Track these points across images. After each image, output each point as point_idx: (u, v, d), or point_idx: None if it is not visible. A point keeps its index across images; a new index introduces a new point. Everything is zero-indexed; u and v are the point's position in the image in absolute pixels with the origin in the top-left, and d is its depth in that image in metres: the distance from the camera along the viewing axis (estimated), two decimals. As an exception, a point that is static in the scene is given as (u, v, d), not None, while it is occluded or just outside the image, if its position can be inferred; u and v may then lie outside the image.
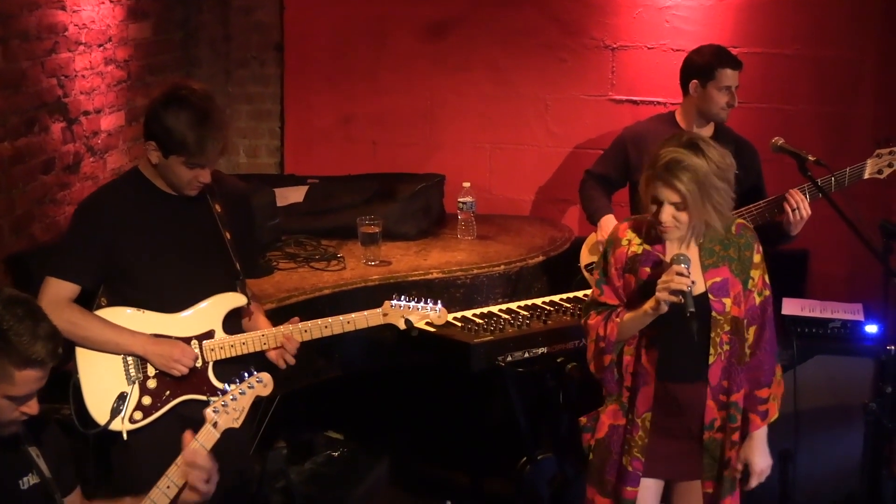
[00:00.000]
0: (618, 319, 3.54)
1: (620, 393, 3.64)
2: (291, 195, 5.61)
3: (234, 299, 3.77)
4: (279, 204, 5.46)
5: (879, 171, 4.55)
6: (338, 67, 6.17)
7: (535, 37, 5.95)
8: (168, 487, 2.92)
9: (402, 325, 3.95)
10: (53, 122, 4.84)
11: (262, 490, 4.96)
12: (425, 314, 3.99)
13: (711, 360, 3.60)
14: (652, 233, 3.59)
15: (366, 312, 3.89)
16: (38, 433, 2.94)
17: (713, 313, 3.57)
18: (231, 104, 6.27)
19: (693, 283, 3.41)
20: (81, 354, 3.64)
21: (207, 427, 3.03)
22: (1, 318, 2.66)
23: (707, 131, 4.78)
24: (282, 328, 3.80)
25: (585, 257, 4.98)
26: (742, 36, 5.69)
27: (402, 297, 3.96)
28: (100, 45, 5.21)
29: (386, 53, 6.12)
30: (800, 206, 4.44)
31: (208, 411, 3.07)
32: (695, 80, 4.74)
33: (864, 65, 5.63)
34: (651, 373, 3.59)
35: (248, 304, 3.82)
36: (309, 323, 3.83)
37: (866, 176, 4.54)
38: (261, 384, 3.20)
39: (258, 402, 3.30)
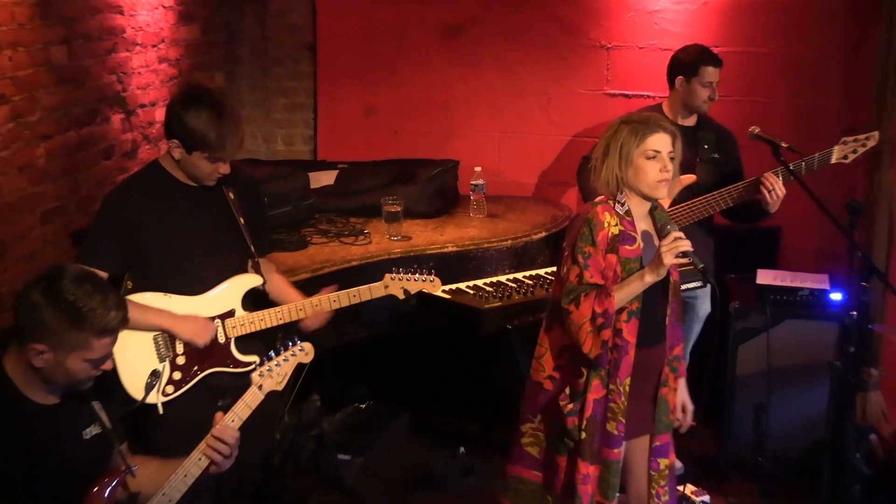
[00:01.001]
0: (613, 294, 3.44)
1: (604, 365, 3.55)
2: (323, 178, 5.60)
3: (251, 280, 3.76)
4: (312, 186, 5.43)
5: (845, 157, 4.52)
6: (363, 64, 6.15)
7: (538, 37, 5.92)
8: (200, 460, 2.91)
9: (401, 295, 3.98)
10: (113, 114, 4.83)
11: (299, 438, 4.96)
12: (421, 284, 4.01)
13: (667, 321, 3.61)
14: (622, 213, 3.55)
15: (369, 286, 3.91)
16: (101, 390, 2.94)
17: (671, 279, 3.56)
18: (269, 98, 6.26)
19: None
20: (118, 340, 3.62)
21: (253, 389, 3.04)
22: (74, 295, 2.68)
23: (691, 121, 4.79)
24: (295, 303, 3.80)
25: None
26: (723, 36, 5.66)
27: (400, 270, 3.97)
28: (154, 46, 5.19)
29: (406, 52, 6.10)
30: (775, 187, 4.41)
31: (255, 375, 3.08)
32: (680, 76, 4.73)
33: (830, 61, 5.59)
34: (632, 342, 3.52)
35: (264, 283, 3.79)
36: (320, 297, 3.83)
37: (833, 161, 4.51)
38: (303, 352, 3.20)
39: (300, 368, 3.28)
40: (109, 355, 2.80)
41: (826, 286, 5.03)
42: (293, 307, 3.79)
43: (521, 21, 5.92)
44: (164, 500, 2.88)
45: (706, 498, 4.88)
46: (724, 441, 5.20)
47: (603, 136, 3.59)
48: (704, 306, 4.93)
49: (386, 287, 3.95)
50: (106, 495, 2.87)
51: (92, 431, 2.91)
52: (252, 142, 6.26)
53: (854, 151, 4.53)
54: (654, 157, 3.46)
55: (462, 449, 5.35)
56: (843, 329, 4.83)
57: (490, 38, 5.98)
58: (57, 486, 2.81)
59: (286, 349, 3.17)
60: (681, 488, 4.30)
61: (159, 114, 5.25)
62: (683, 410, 3.81)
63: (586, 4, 5.84)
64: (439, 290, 4.12)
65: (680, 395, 3.78)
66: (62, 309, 2.67)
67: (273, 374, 3.10)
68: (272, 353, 3.15)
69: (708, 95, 4.74)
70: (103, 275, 3.50)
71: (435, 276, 4.05)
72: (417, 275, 4.00)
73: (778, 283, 5.11)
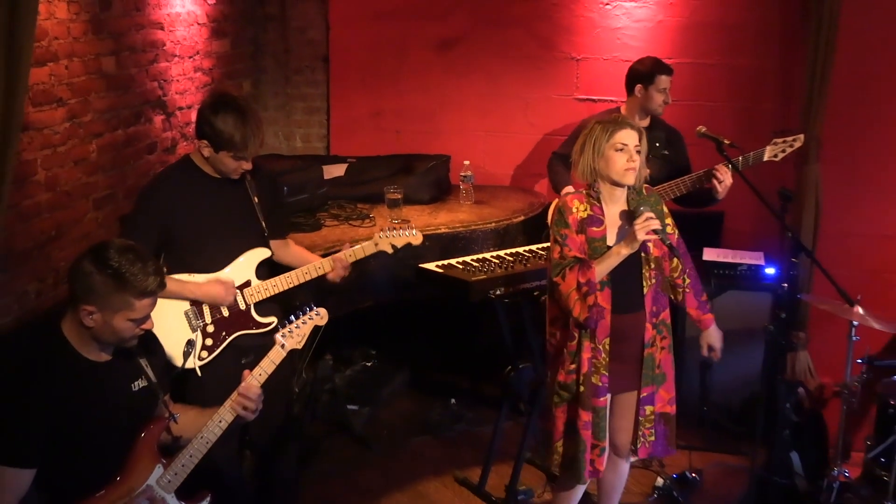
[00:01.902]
0: (594, 266, 3.49)
1: (594, 325, 3.59)
2: (335, 170, 5.61)
3: (261, 253, 3.78)
4: (326, 177, 5.46)
5: (775, 156, 4.55)
6: (370, 73, 6.14)
7: (518, 50, 5.92)
8: (221, 422, 2.94)
9: (389, 250, 4.00)
10: (155, 115, 4.84)
11: (315, 390, 5.00)
12: (405, 238, 4.04)
13: (645, 290, 3.62)
14: (591, 199, 3.59)
15: (362, 244, 3.93)
16: (146, 347, 2.97)
17: (643, 254, 3.58)
18: (289, 102, 6.26)
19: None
20: (153, 317, 3.62)
21: (277, 347, 3.08)
22: (118, 263, 2.72)
23: (645, 122, 4.81)
24: (301, 268, 3.81)
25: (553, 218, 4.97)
26: (675, 50, 5.66)
27: (387, 229, 4.00)
28: (190, 57, 5.20)
29: (406, 63, 6.09)
30: (725, 177, 4.44)
31: (278, 336, 3.11)
32: (639, 84, 4.75)
33: (766, 72, 5.60)
34: (607, 308, 3.57)
35: (272, 255, 3.81)
36: (323, 261, 3.85)
37: (765, 159, 4.54)
38: (318, 316, 3.22)
39: (315, 330, 3.30)
40: (149, 316, 2.83)
41: (762, 262, 5.07)
42: (300, 272, 3.80)
43: (504, 37, 5.91)
44: (202, 442, 2.91)
45: (661, 456, 4.92)
46: (674, 401, 5.23)
47: (580, 137, 3.64)
48: None
49: (376, 244, 3.95)
50: (153, 439, 2.91)
51: (139, 384, 2.94)
52: (275, 140, 6.27)
53: (783, 151, 4.55)
54: (621, 150, 3.51)
55: (453, 400, 5.40)
56: (775, 298, 4.87)
57: (478, 52, 5.97)
58: (110, 430, 2.84)
59: (304, 314, 3.19)
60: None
61: (195, 115, 5.23)
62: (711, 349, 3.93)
63: (559, 22, 5.84)
64: (420, 241, 4.09)
65: (707, 338, 3.90)
66: (108, 275, 2.70)
67: (294, 335, 3.12)
68: (292, 317, 3.17)
69: (663, 100, 4.77)
70: None
71: (417, 231, 4.07)
72: (401, 231, 4.02)
73: (721, 259, 5.15)
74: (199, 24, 5.29)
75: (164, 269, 3.59)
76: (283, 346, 3.09)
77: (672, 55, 5.66)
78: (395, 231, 4.02)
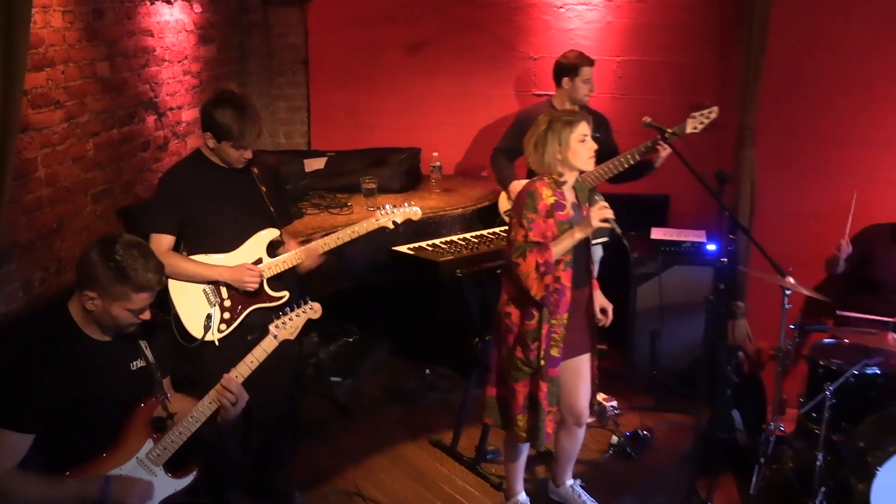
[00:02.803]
0: (551, 248, 3.47)
1: (551, 306, 3.56)
2: (316, 163, 5.56)
3: (271, 233, 3.72)
4: (307, 170, 5.42)
5: (695, 128, 4.54)
6: (346, 75, 6.10)
7: (481, 51, 5.89)
8: (210, 403, 2.89)
9: (390, 226, 3.93)
10: (148, 115, 4.76)
11: (301, 365, 4.96)
12: (404, 214, 3.97)
13: (592, 269, 3.64)
14: (555, 186, 3.55)
15: (364, 222, 3.86)
16: (148, 331, 2.92)
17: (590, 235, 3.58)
18: (273, 102, 6.20)
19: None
20: (175, 294, 3.60)
21: (269, 338, 3.01)
22: (122, 257, 2.68)
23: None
24: (308, 246, 3.77)
25: (503, 206, 4.94)
26: (623, 48, 5.65)
27: (388, 206, 3.94)
28: (179, 61, 5.11)
29: (380, 65, 6.05)
30: (665, 149, 4.48)
31: (271, 327, 3.04)
32: (566, 77, 4.76)
33: (705, 68, 5.60)
34: (569, 286, 3.55)
35: (281, 235, 3.76)
36: (326, 238, 3.79)
37: (687, 131, 4.51)
38: (312, 311, 3.16)
39: (293, 303, 3.24)
40: (147, 307, 2.79)
41: (703, 239, 5.08)
42: (306, 249, 3.75)
43: (468, 39, 5.89)
44: (191, 422, 2.86)
45: (614, 403, 4.94)
46: (627, 360, 5.24)
47: (532, 134, 3.58)
48: (598, 253, 4.91)
49: (377, 220, 3.90)
50: (147, 415, 2.86)
51: (138, 364, 2.90)
52: (258, 139, 6.21)
53: (701, 123, 4.54)
54: (583, 141, 3.50)
55: (427, 371, 5.36)
56: (716, 272, 4.88)
57: (444, 53, 5.94)
58: (107, 404, 2.80)
59: (299, 306, 3.13)
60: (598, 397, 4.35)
61: (185, 115, 5.18)
62: (603, 312, 3.83)
63: (517, 25, 5.81)
64: (419, 216, 4.01)
65: (599, 301, 3.80)
66: (111, 267, 2.67)
67: (287, 327, 3.06)
68: (287, 309, 3.12)
69: (588, 89, 4.77)
70: (171, 238, 3.56)
71: (416, 207, 4.00)
72: (401, 208, 3.96)
73: (667, 238, 5.15)
74: (186, 31, 5.20)
75: (183, 252, 3.61)
76: (275, 336, 3.02)
77: (620, 53, 5.66)
78: (396, 208, 3.95)
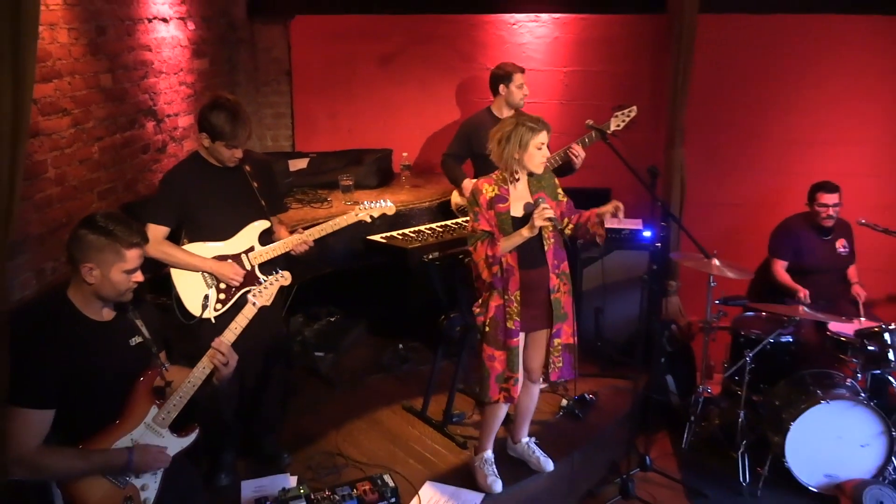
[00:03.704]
0: (499, 243, 3.52)
1: (499, 285, 3.63)
2: (299, 164, 5.53)
3: (262, 224, 3.72)
4: (291, 169, 5.40)
5: (618, 126, 4.58)
6: (326, 84, 6.06)
7: (445, 63, 5.88)
8: (204, 368, 2.89)
9: (368, 219, 3.94)
10: (147, 122, 4.71)
11: (288, 342, 4.96)
12: (381, 209, 3.99)
13: (546, 249, 3.65)
14: (500, 182, 3.60)
15: (345, 216, 3.88)
16: (139, 308, 2.91)
17: (553, 224, 3.59)
18: (260, 109, 6.15)
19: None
20: (176, 277, 3.61)
21: (249, 305, 3.02)
22: (105, 223, 2.70)
23: (510, 114, 4.82)
24: (295, 236, 3.77)
25: (455, 202, 4.96)
26: (569, 60, 5.69)
27: (366, 203, 3.95)
28: (175, 73, 5.06)
29: (355, 75, 6.02)
30: (580, 152, 4.53)
31: (249, 296, 3.05)
32: (501, 84, 4.76)
33: (640, 76, 5.65)
34: (515, 266, 3.60)
35: (272, 226, 3.77)
36: (311, 229, 3.81)
37: (611, 129, 4.54)
38: (283, 279, 3.19)
39: (283, 289, 3.27)
40: (139, 269, 2.77)
41: (640, 227, 5.10)
42: (293, 238, 3.75)
43: (433, 52, 5.88)
44: (189, 385, 2.86)
45: (567, 378, 4.96)
46: (575, 330, 5.27)
47: (498, 129, 3.59)
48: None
49: (356, 214, 3.92)
50: (148, 384, 2.86)
51: (136, 340, 2.88)
52: (249, 140, 6.16)
53: (623, 121, 4.58)
54: (540, 148, 3.55)
55: (401, 345, 5.38)
56: (651, 255, 4.91)
57: (412, 65, 5.93)
58: (112, 378, 2.78)
59: (271, 276, 3.17)
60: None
61: (181, 121, 5.13)
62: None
63: (476, 40, 5.81)
64: (394, 211, 4.05)
65: (600, 215, 3.69)
66: (99, 233, 2.67)
67: (263, 294, 3.08)
68: (262, 279, 3.14)
69: (523, 93, 4.77)
70: (166, 230, 3.56)
71: (391, 203, 4.02)
72: (377, 203, 3.98)
73: (608, 225, 5.12)
74: (181, 46, 5.15)
75: (185, 241, 3.61)
76: (254, 303, 3.03)
77: (567, 65, 5.69)
78: (372, 203, 3.97)
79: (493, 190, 3.59)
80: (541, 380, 3.93)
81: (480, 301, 3.72)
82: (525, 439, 4.10)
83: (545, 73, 5.75)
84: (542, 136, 3.54)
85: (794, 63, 5.47)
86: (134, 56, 4.54)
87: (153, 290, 3.90)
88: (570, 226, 3.73)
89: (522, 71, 4.78)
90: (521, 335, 3.71)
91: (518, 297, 3.62)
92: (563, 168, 4.66)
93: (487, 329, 3.68)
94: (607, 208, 3.65)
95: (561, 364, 3.81)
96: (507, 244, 3.54)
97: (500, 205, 3.58)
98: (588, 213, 3.69)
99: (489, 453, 3.94)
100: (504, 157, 3.57)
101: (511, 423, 4.14)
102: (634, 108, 4.57)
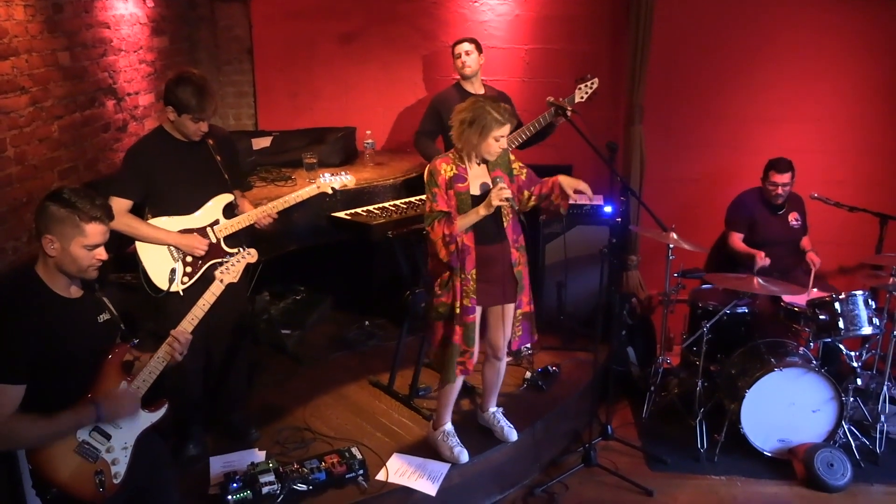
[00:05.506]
0: (456, 221, 3.57)
1: (456, 264, 3.67)
2: (262, 142, 5.49)
3: (226, 197, 3.73)
4: (254, 148, 5.35)
5: (582, 98, 4.66)
6: (287, 63, 6.01)
7: (406, 41, 5.87)
8: (163, 354, 2.89)
9: (329, 191, 3.96)
10: (107, 100, 4.65)
11: (254, 321, 4.95)
12: (342, 181, 4.00)
13: (505, 225, 3.70)
14: (457, 161, 3.64)
15: (307, 188, 3.88)
16: (104, 287, 2.89)
17: (509, 202, 3.63)
18: (222, 88, 6.07)
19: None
20: (141, 249, 3.60)
21: (216, 283, 3.02)
22: (69, 196, 2.67)
23: (482, 89, 4.95)
24: (259, 209, 3.77)
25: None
26: (530, 38, 5.71)
27: (327, 175, 3.96)
28: (135, 51, 4.99)
29: (316, 54, 5.97)
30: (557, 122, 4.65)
31: (217, 273, 3.05)
32: (453, 59, 4.96)
33: (600, 53, 5.69)
34: (471, 245, 3.65)
35: (235, 199, 3.78)
36: (274, 202, 3.80)
37: (576, 101, 4.63)
38: (249, 255, 3.18)
39: (249, 266, 3.27)
40: (102, 245, 2.74)
41: (601, 202, 5.17)
42: (257, 211, 3.75)
43: (394, 31, 5.86)
44: (157, 360, 2.85)
45: (528, 344, 5.03)
46: (538, 307, 5.30)
47: (466, 109, 3.60)
48: None
49: (318, 188, 3.92)
50: (118, 360, 2.85)
51: (104, 317, 2.87)
52: (212, 119, 6.10)
53: (586, 93, 4.66)
54: (498, 140, 3.59)
55: (366, 322, 5.41)
56: (611, 230, 5.00)
57: (373, 44, 5.90)
58: (82, 354, 2.76)
59: (238, 253, 3.17)
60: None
61: (141, 100, 5.07)
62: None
63: (437, 17, 5.81)
64: (354, 183, 4.06)
65: (563, 183, 3.68)
66: (62, 205, 2.64)
67: (230, 271, 3.07)
68: (229, 257, 3.14)
69: (462, 62, 4.90)
70: (129, 203, 3.55)
71: (350, 176, 4.03)
72: (338, 176, 3.99)
73: (570, 202, 5.21)
74: (140, 23, 5.08)
75: (149, 216, 3.59)
76: (221, 280, 3.04)
77: (527, 42, 5.72)
78: (333, 176, 3.97)
79: (452, 170, 3.62)
80: (505, 353, 3.99)
81: (439, 282, 3.75)
82: (492, 409, 4.17)
83: (506, 51, 5.78)
84: (504, 130, 3.58)
85: (749, 42, 5.57)
86: (92, 33, 4.47)
87: (117, 269, 3.89)
88: (534, 198, 3.77)
89: (462, 42, 4.90)
90: (478, 310, 3.77)
91: (474, 275, 3.68)
92: (532, 139, 4.73)
93: (458, 311, 3.70)
94: (573, 184, 3.67)
95: (521, 332, 3.89)
96: (463, 222, 3.59)
97: (460, 184, 3.62)
98: (551, 180, 3.73)
99: (449, 426, 4.01)
100: (462, 139, 3.62)
101: (480, 395, 4.21)
102: (596, 79, 4.64)
